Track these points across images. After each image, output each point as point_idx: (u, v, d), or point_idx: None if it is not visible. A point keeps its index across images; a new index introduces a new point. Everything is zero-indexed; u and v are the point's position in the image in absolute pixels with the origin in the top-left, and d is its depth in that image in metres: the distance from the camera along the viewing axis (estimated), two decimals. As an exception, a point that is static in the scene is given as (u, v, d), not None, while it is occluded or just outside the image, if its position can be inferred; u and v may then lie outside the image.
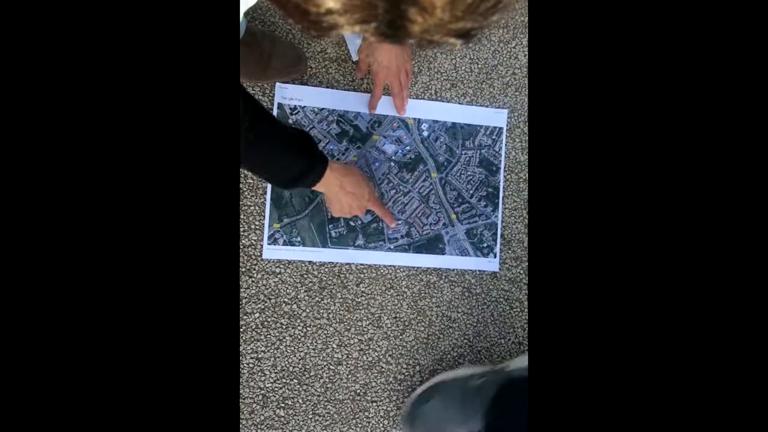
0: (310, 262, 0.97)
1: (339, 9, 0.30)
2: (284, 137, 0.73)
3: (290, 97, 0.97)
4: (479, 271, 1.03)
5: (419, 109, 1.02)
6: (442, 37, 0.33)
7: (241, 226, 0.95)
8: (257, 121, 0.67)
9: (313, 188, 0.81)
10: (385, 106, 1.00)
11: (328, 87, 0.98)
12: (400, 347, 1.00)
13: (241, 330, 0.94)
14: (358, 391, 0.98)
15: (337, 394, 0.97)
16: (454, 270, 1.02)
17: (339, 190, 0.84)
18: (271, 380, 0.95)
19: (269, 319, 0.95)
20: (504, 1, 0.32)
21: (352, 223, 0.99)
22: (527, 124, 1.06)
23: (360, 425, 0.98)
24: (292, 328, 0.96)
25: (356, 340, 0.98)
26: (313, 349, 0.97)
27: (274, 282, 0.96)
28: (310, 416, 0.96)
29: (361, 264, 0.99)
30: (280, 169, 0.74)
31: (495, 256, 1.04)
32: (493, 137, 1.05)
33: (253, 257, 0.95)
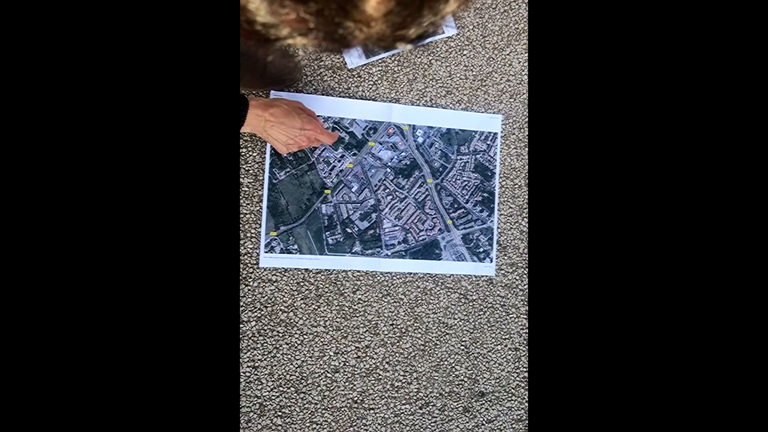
0: (306, 269, 0.97)
1: (275, 23, 0.30)
2: None
3: (285, 104, 0.96)
4: (475, 275, 1.03)
5: (414, 116, 1.02)
6: (388, 44, 0.32)
7: (237, 234, 0.94)
8: None
9: (243, 130, 0.82)
10: (379, 113, 1.00)
11: (323, 94, 0.98)
12: (397, 354, 1.00)
13: (237, 339, 0.94)
14: (356, 398, 0.98)
15: (334, 402, 0.97)
16: (450, 276, 1.02)
17: (266, 124, 0.83)
18: (268, 389, 0.95)
19: (266, 328, 0.95)
20: (444, 9, 0.31)
21: (348, 231, 0.98)
22: (523, 130, 1.06)
23: (358, 433, 0.98)
24: (289, 336, 0.96)
25: (353, 348, 0.98)
26: (310, 357, 0.97)
27: (271, 290, 0.95)
28: (308, 425, 0.96)
29: (358, 271, 0.99)
30: None
31: (491, 261, 1.04)
32: (488, 142, 1.05)
33: (250, 266, 0.95)
